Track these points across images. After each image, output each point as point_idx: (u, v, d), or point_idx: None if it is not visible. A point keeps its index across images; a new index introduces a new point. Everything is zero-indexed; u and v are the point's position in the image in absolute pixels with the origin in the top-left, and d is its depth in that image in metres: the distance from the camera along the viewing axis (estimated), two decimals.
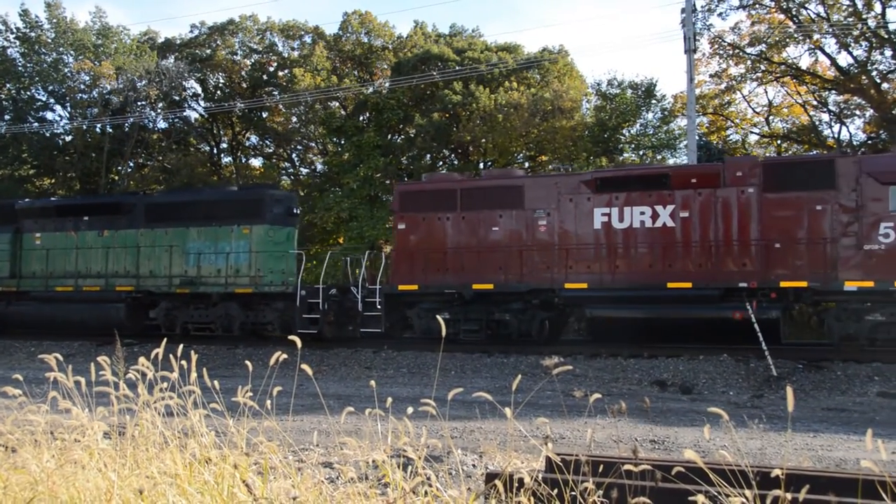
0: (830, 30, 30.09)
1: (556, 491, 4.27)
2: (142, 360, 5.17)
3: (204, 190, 27.23)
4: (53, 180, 42.22)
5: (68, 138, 41.60)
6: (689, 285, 17.46)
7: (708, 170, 18.44)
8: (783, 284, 16.83)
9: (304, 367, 4.77)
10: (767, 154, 36.23)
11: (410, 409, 4.63)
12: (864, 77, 30.28)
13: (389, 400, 4.97)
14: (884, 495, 3.94)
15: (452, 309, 19.54)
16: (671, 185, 18.12)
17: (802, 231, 16.98)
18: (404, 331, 20.72)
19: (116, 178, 40.92)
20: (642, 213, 18.21)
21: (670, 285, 17.61)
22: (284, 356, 4.92)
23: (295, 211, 23.47)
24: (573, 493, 4.24)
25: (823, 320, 17.38)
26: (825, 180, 16.83)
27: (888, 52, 30.10)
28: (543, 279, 18.83)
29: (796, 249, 16.97)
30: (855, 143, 32.58)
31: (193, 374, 5.10)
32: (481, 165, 36.60)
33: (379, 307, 19.87)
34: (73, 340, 23.13)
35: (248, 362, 5.75)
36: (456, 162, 37.45)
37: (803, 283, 16.66)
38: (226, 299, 22.11)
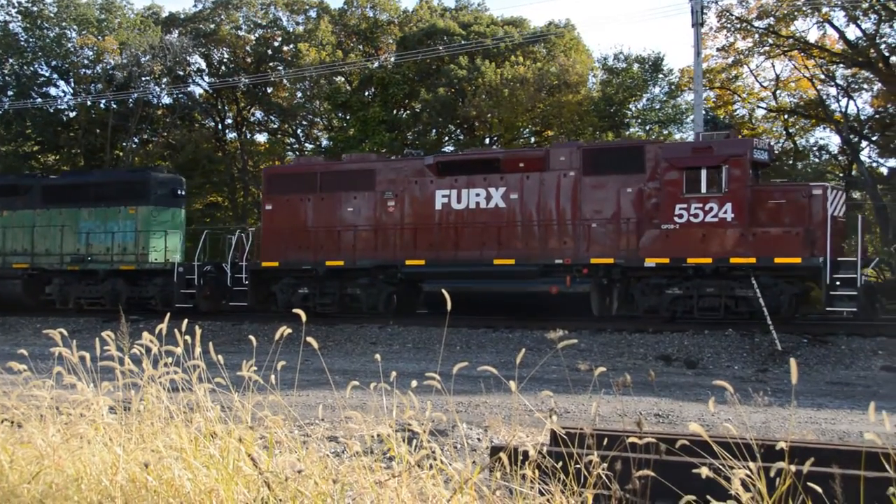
0: (839, 2, 29.70)
1: (560, 464, 4.28)
2: (146, 334, 5.17)
3: (95, 172, 29.36)
4: (58, 156, 42.17)
5: (72, 114, 41.50)
6: (512, 262, 18.90)
7: (534, 154, 20.02)
8: (593, 261, 18.27)
9: (310, 340, 4.77)
10: (774, 128, 36.01)
11: (415, 383, 4.64)
12: (872, 50, 29.95)
13: (394, 374, 4.98)
14: (888, 467, 3.94)
15: (310, 284, 21.21)
16: (502, 169, 19.51)
17: (614, 211, 18.37)
18: (272, 305, 22.12)
19: (121, 153, 40.85)
20: (478, 195, 19.64)
21: (496, 262, 19.03)
22: (289, 331, 4.92)
23: (180, 192, 25.19)
24: (578, 466, 4.25)
25: (632, 294, 18.62)
26: (635, 165, 18.22)
27: None
28: (388, 256, 20.41)
29: (608, 228, 18.41)
30: (862, 117, 32.33)
31: (198, 349, 5.10)
32: (487, 140, 36.46)
33: (246, 283, 21.45)
34: (79, 317, 23.41)
35: (252, 337, 5.75)
36: (462, 137, 37.30)
37: (610, 260, 18.14)
38: (112, 276, 23.77)
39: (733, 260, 16.93)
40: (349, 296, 20.97)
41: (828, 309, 16.56)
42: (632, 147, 19.36)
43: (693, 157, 17.44)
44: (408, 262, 19.95)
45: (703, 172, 17.16)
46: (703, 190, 17.16)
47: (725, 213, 16.99)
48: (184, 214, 25.76)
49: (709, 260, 17.10)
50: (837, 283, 16.18)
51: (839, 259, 16.52)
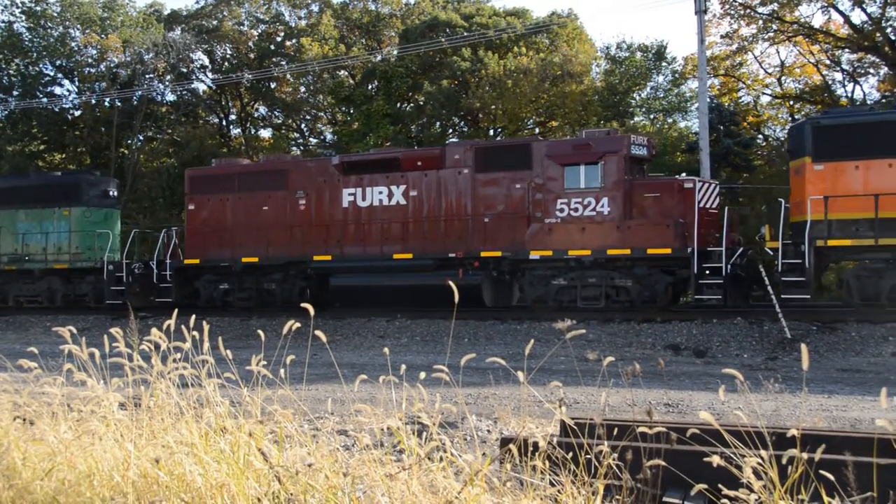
0: None
1: (570, 454, 4.28)
2: (154, 331, 5.17)
3: (31, 175, 30.32)
4: (63, 155, 42.29)
5: (77, 113, 41.56)
6: (410, 256, 19.79)
7: (431, 153, 20.67)
8: (483, 254, 19.07)
9: (319, 333, 4.77)
10: (779, 115, 35.88)
11: (424, 376, 4.63)
12: (878, 34, 29.79)
13: (403, 367, 4.97)
14: None
15: (230, 280, 22.32)
16: (403, 168, 20.29)
17: (504, 207, 19.13)
18: (196, 300, 22.82)
19: (126, 151, 40.92)
20: (381, 193, 20.52)
21: (395, 256, 20.01)
22: (297, 325, 4.92)
23: (112, 193, 26.45)
24: (588, 456, 4.25)
25: (522, 286, 19.45)
26: (523, 162, 18.93)
27: None
28: (298, 252, 21.29)
29: (499, 223, 19.15)
30: (869, 101, 32.15)
31: (206, 344, 5.11)
32: (491, 132, 36.41)
33: (170, 280, 22.51)
34: (88, 314, 23.61)
35: (260, 332, 5.76)
36: (466, 129, 37.22)
37: (498, 253, 18.91)
38: (48, 274, 25.13)
39: (610, 251, 17.77)
40: (265, 290, 21.95)
41: (696, 297, 17.44)
42: (520, 145, 20.07)
43: (573, 154, 18.30)
44: (315, 258, 20.88)
45: (582, 168, 18.09)
46: (582, 185, 18.09)
47: (602, 206, 17.93)
48: (118, 214, 26.84)
49: (588, 252, 17.96)
50: (707, 272, 16.89)
51: (708, 249, 17.20)
